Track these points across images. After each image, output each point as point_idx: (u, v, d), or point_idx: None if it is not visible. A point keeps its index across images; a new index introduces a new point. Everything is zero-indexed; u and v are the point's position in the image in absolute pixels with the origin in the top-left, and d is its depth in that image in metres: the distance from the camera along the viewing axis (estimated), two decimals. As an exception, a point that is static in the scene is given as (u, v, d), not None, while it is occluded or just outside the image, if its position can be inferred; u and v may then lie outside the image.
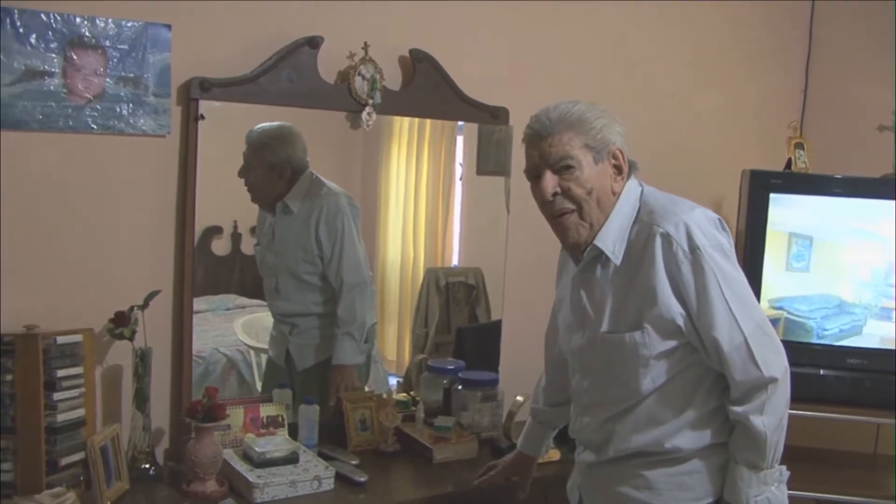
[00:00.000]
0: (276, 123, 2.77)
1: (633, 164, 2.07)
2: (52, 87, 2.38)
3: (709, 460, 2.00)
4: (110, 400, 2.53)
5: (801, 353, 3.16)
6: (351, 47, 2.76)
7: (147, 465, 2.48)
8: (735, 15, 3.70)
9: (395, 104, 2.87)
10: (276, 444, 2.50)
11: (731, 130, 3.78)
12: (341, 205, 2.92)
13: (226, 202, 2.86)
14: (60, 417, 2.26)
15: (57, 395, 2.25)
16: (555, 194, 1.97)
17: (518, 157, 3.15)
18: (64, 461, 2.28)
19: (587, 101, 2.02)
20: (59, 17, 2.37)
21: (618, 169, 2.01)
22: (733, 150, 3.72)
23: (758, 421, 1.90)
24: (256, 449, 2.45)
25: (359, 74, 2.76)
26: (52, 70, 2.38)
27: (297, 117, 2.74)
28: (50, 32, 2.37)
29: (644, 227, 1.97)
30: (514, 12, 3.15)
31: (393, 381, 3.21)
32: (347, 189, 2.99)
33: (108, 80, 2.46)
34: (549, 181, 1.97)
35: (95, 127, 2.45)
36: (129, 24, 2.47)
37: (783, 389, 1.92)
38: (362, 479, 2.49)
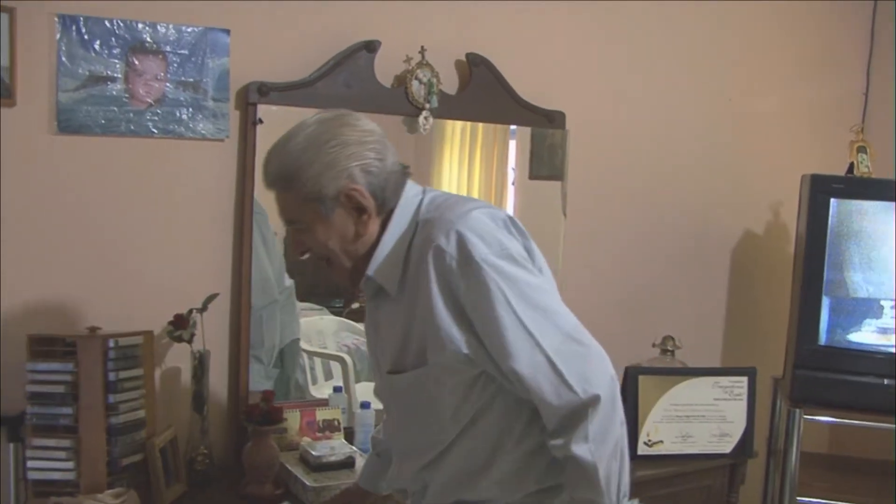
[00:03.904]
0: None
1: (402, 172, 1.72)
2: (114, 92, 2.41)
3: None
4: (169, 402, 2.55)
5: (863, 361, 3.11)
6: (408, 51, 2.77)
7: (204, 468, 2.49)
8: (795, 16, 3.65)
9: (451, 108, 2.87)
10: (333, 448, 2.49)
11: (790, 134, 3.72)
12: None
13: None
14: (121, 418, 2.27)
15: (118, 397, 2.26)
16: (303, 252, 1.73)
17: (574, 162, 3.16)
18: (124, 462, 2.29)
19: (311, 128, 1.65)
20: (121, 24, 2.40)
21: (360, 208, 1.65)
22: (792, 153, 3.66)
23: (583, 450, 1.55)
24: (313, 453, 2.45)
25: (416, 78, 2.76)
26: (115, 75, 2.41)
27: (353, 121, 2.73)
28: (113, 38, 2.40)
29: (420, 245, 1.64)
30: (570, 16, 3.14)
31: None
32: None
33: (168, 84, 2.48)
34: (293, 241, 1.74)
35: (156, 131, 2.48)
36: (188, 30, 2.49)
37: (609, 407, 1.57)
38: (418, 484, 2.47)
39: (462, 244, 1.56)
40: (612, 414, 1.57)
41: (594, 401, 1.55)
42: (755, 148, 3.64)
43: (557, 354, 1.56)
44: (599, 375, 1.58)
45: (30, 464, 2.23)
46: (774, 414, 3.45)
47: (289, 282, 2.82)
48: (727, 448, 2.92)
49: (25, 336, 2.25)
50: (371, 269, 1.69)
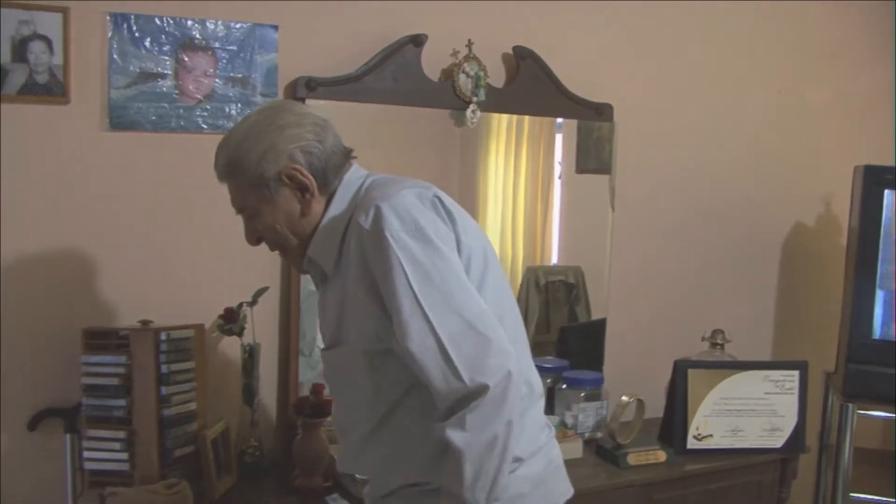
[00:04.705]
0: None
1: (344, 154, 1.77)
2: (164, 89, 2.44)
3: None
4: (219, 394, 2.57)
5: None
6: (455, 45, 2.76)
7: (254, 460, 2.52)
8: (845, 6, 3.58)
9: (498, 101, 2.87)
10: (381, 440, 2.50)
11: (842, 124, 3.66)
12: None
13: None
14: (173, 410, 2.30)
15: (170, 389, 2.29)
16: (257, 240, 1.81)
17: (623, 155, 3.14)
18: (176, 453, 2.32)
19: (251, 119, 1.75)
20: (171, 21, 2.43)
21: (303, 187, 1.71)
22: (845, 144, 3.61)
23: (456, 437, 1.53)
24: (362, 445, 2.46)
25: (463, 72, 2.76)
26: (165, 72, 2.44)
27: (400, 115, 2.74)
28: (163, 36, 2.43)
29: (352, 224, 1.67)
30: (617, 7, 3.12)
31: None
32: (446, 188, 2.98)
33: (217, 80, 2.51)
34: (245, 230, 1.81)
35: (206, 127, 2.50)
36: (237, 26, 2.52)
37: (497, 401, 1.53)
38: (466, 477, 2.47)
39: (376, 220, 1.59)
40: (497, 408, 1.54)
41: (480, 390, 1.52)
42: (806, 139, 3.60)
43: (451, 340, 1.55)
44: (493, 368, 1.54)
45: (85, 454, 2.28)
46: (826, 408, 3.40)
47: None
48: (778, 443, 2.89)
49: (80, 329, 2.30)
50: (310, 250, 1.75)
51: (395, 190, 1.64)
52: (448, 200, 1.69)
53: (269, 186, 1.70)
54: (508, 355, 1.57)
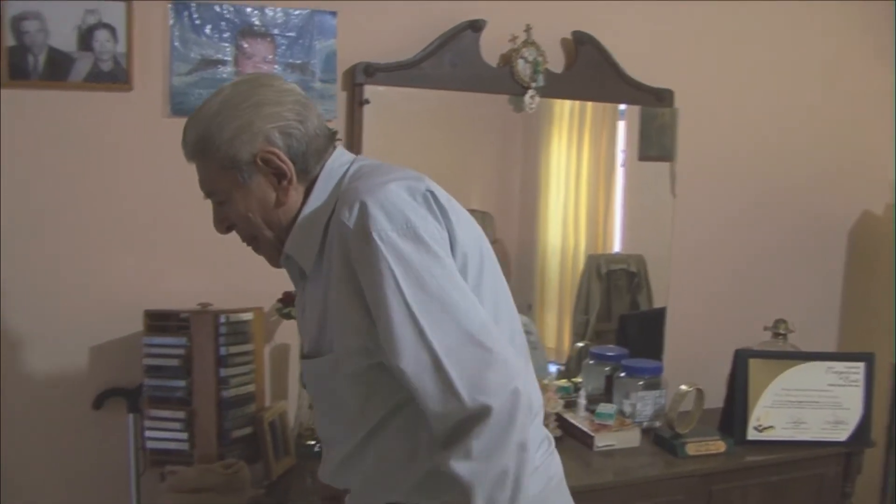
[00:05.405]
0: None
1: (327, 137, 1.58)
2: (224, 75, 2.48)
3: None
4: (278, 377, 2.61)
5: None
6: (513, 30, 2.75)
7: (312, 442, 2.54)
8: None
9: (557, 87, 2.85)
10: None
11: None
12: None
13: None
14: (232, 392, 2.33)
15: (229, 371, 2.33)
16: (228, 228, 1.61)
17: (684, 140, 3.09)
18: (235, 434, 2.35)
19: (225, 92, 1.54)
20: (231, 8, 2.47)
21: (280, 173, 1.52)
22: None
23: (461, 468, 1.33)
24: (417, 429, 2.47)
25: (521, 57, 2.75)
26: (225, 59, 2.48)
27: (459, 101, 2.74)
28: (223, 23, 2.46)
29: (335, 219, 1.47)
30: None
31: (553, 367, 3.18)
32: (508, 174, 2.97)
33: (276, 66, 2.54)
34: (215, 216, 1.61)
35: (265, 113, 2.53)
36: (296, 13, 2.54)
37: (504, 423, 1.33)
38: (521, 464, 2.47)
39: (362, 217, 1.39)
40: (505, 432, 1.34)
41: (483, 413, 1.33)
42: (874, 124, 3.50)
43: (449, 355, 1.35)
44: (497, 385, 1.34)
45: (147, 434, 2.33)
46: (895, 402, 3.31)
47: None
48: (842, 436, 2.82)
49: (142, 311, 2.35)
50: (288, 246, 1.57)
51: (383, 182, 1.44)
52: (442, 194, 1.48)
53: (242, 170, 1.51)
54: (514, 370, 1.38)
